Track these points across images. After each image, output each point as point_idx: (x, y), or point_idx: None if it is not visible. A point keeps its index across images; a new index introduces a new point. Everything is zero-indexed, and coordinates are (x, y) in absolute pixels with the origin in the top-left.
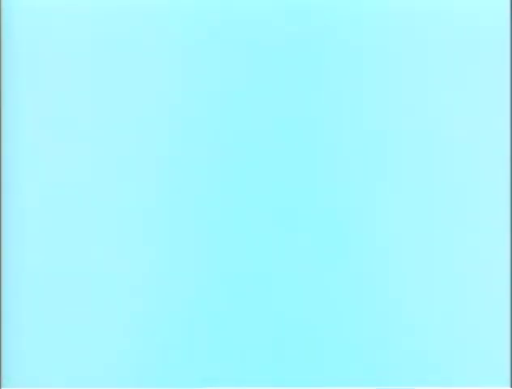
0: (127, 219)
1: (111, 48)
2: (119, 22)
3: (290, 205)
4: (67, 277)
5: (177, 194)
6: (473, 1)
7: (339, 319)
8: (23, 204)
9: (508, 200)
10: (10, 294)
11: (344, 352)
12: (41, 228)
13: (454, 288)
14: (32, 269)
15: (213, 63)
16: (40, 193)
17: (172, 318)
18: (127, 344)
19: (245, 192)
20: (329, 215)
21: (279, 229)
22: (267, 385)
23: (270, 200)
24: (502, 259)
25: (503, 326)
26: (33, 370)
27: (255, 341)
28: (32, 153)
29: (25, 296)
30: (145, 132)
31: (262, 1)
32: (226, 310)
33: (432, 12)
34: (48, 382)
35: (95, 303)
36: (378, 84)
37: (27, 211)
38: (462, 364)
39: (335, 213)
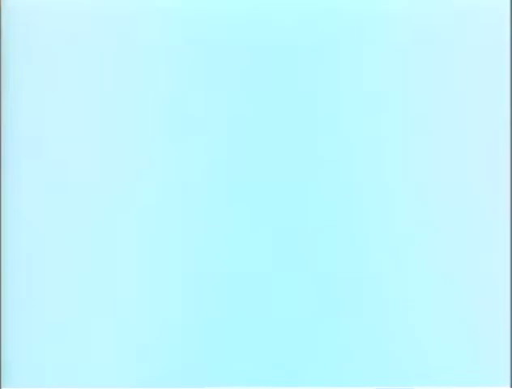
0: (127, 219)
1: (111, 48)
2: (119, 22)
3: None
4: (67, 276)
5: (176, 194)
6: (473, 0)
7: (340, 319)
8: (22, 204)
9: (508, 200)
10: (10, 294)
11: (344, 351)
12: (41, 229)
13: (453, 287)
14: (31, 268)
15: (213, 64)
16: (40, 193)
17: (170, 319)
18: (126, 346)
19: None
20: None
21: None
22: (267, 385)
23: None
24: (502, 259)
25: (503, 326)
26: (33, 370)
27: (254, 341)
28: (31, 153)
29: (25, 296)
30: (145, 132)
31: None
32: (226, 312)
33: (431, 12)
34: (48, 382)
35: (95, 304)
36: (376, 85)
37: (26, 211)
38: (463, 364)
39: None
